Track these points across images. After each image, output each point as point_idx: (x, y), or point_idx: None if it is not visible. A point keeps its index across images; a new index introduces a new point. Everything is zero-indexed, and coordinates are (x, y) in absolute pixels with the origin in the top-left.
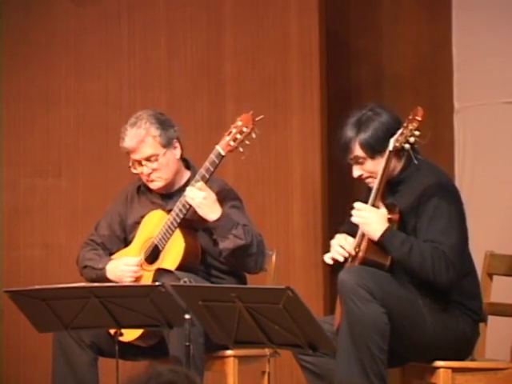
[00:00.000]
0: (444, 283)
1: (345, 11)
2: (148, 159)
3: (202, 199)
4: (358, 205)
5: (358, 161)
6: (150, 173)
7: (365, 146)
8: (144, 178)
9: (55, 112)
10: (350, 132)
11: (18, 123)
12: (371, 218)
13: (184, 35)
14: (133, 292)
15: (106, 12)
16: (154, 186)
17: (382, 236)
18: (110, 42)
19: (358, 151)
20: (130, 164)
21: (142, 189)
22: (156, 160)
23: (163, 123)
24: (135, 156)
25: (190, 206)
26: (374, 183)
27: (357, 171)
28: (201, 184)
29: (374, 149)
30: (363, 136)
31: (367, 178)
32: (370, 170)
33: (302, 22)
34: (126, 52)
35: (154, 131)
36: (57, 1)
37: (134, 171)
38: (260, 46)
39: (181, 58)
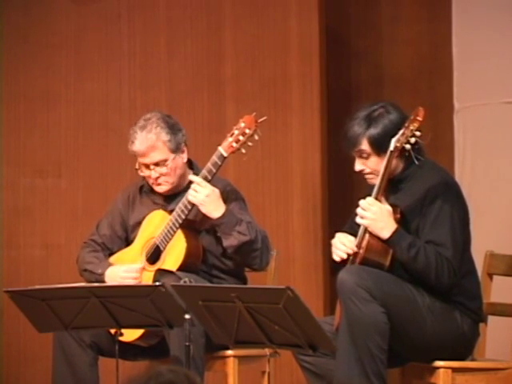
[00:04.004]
0: (444, 287)
1: (345, 11)
2: (157, 164)
3: (204, 197)
4: (370, 199)
5: (362, 155)
6: (158, 177)
7: (372, 142)
8: (150, 182)
9: (55, 112)
10: (359, 125)
11: (17, 123)
12: (381, 216)
13: (184, 35)
14: (133, 292)
15: (106, 12)
16: (160, 189)
17: (391, 237)
18: (110, 42)
19: (364, 145)
20: (137, 167)
21: (145, 189)
22: (164, 165)
23: (172, 127)
24: (144, 160)
25: (193, 205)
26: (376, 181)
27: (359, 165)
28: (200, 180)
29: (381, 146)
30: (372, 132)
31: (368, 173)
32: (373, 167)
33: (302, 22)
34: (125, 52)
35: (165, 136)
36: (57, 1)
37: (141, 174)
38: (260, 46)
39: (181, 58)
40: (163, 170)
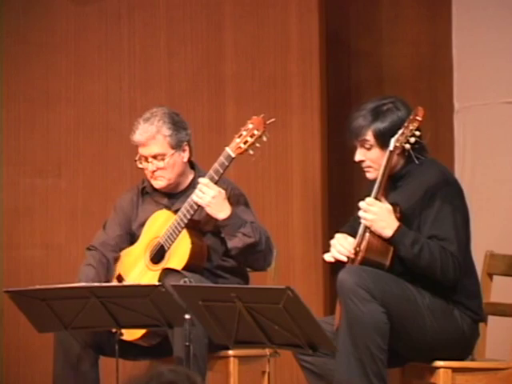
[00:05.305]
0: (450, 282)
1: (345, 11)
2: (155, 157)
3: (210, 198)
4: (369, 200)
5: (365, 145)
6: (155, 170)
7: (377, 135)
8: (148, 175)
9: (55, 112)
10: (365, 117)
11: (18, 123)
12: (382, 215)
13: (184, 35)
14: (133, 292)
15: (106, 12)
16: (156, 184)
17: (394, 235)
18: (110, 42)
19: (369, 136)
20: (137, 158)
21: (147, 190)
22: (162, 159)
23: (176, 124)
24: (143, 151)
25: (198, 206)
26: (373, 175)
27: (359, 156)
28: (207, 181)
29: (386, 140)
30: (379, 125)
31: (367, 166)
32: (374, 159)
33: (302, 22)
34: (125, 52)
35: (166, 131)
36: (57, 1)
37: (140, 166)
38: (260, 46)
39: (181, 58)
40: (160, 164)
